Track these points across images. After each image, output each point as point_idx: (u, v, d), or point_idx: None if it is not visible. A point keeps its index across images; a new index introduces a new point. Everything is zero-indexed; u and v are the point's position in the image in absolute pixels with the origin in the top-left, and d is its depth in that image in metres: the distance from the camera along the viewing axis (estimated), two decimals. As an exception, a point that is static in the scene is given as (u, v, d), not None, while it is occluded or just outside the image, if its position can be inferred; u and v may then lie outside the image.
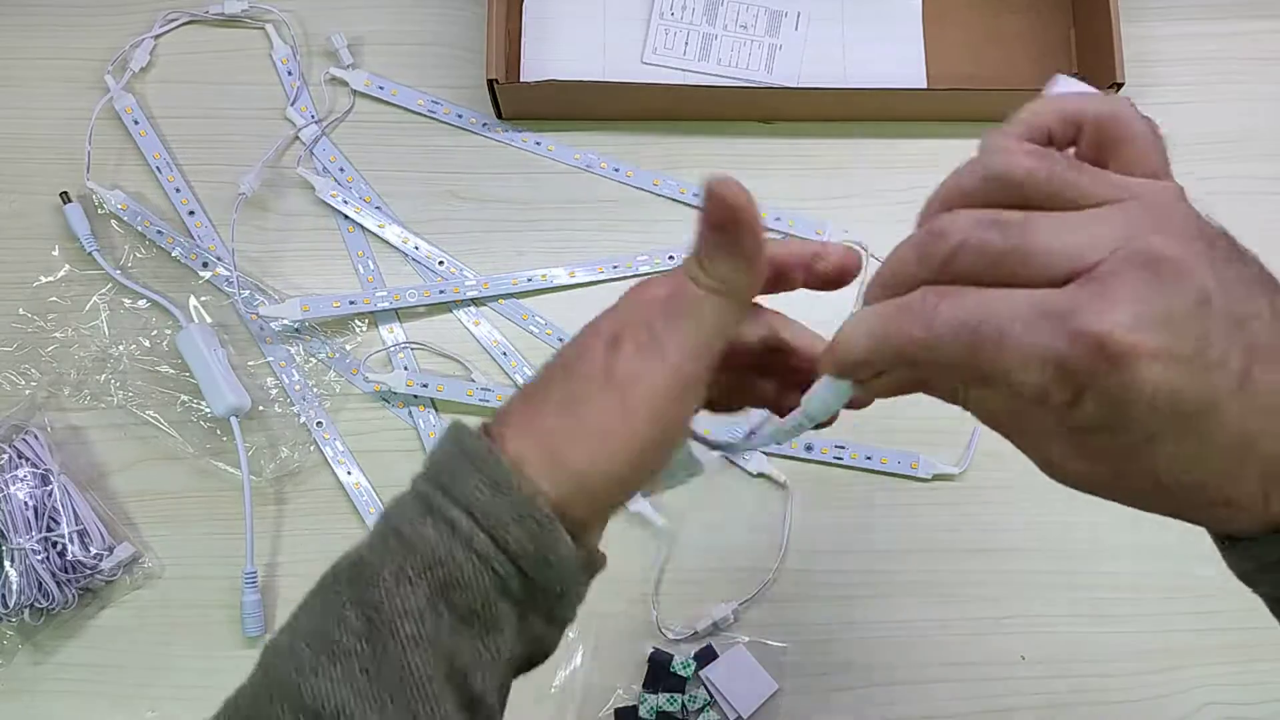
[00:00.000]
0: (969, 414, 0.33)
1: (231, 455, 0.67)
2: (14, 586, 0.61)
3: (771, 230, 0.73)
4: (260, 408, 0.69)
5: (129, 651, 0.65)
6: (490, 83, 0.70)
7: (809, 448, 0.69)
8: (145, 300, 0.70)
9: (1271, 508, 0.29)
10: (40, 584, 0.62)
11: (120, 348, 0.70)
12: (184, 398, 0.69)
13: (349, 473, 0.68)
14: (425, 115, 0.75)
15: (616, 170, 0.74)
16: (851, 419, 0.65)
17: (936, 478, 0.69)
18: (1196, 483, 0.29)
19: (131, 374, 0.69)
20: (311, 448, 0.69)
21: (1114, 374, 0.27)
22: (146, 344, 0.70)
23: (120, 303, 0.70)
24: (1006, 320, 0.27)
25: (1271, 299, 0.28)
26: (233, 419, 0.67)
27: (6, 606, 0.62)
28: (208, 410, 0.68)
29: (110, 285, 0.71)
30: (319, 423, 0.69)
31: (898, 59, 0.76)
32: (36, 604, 0.62)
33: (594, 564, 0.37)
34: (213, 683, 0.66)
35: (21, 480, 0.63)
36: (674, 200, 0.73)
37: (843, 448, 0.69)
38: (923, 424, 0.69)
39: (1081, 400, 0.28)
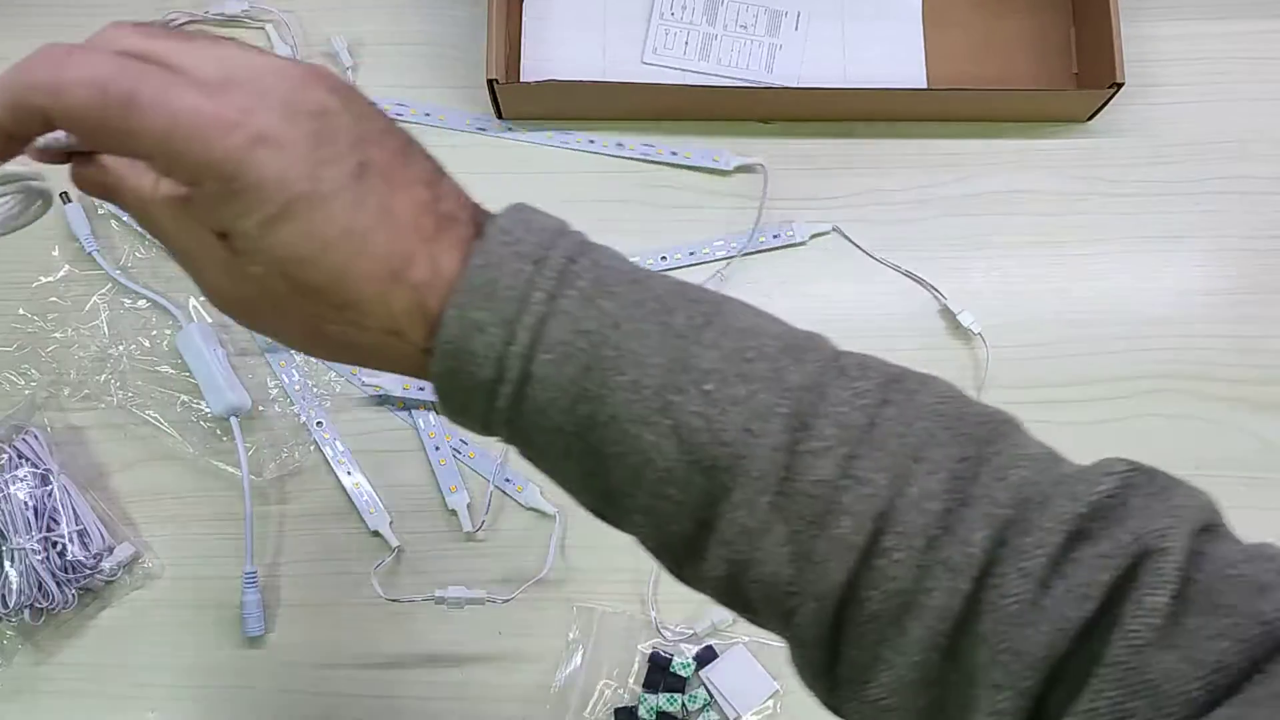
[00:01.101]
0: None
1: (231, 455, 0.67)
2: (14, 587, 0.61)
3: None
4: (260, 407, 0.69)
5: (129, 651, 0.66)
6: (490, 83, 0.70)
7: None
8: (145, 300, 0.71)
9: (394, 307, 0.31)
10: (40, 584, 0.62)
11: (120, 348, 0.70)
12: (184, 397, 0.69)
13: (349, 473, 0.68)
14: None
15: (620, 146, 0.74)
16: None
17: None
18: (341, 297, 0.31)
19: (131, 374, 0.69)
20: (312, 447, 0.69)
21: (230, 146, 0.29)
22: (146, 344, 0.70)
23: (120, 303, 0.71)
24: (137, 79, 0.29)
25: (377, 146, 0.32)
26: (233, 419, 0.67)
27: (6, 606, 0.62)
28: (208, 410, 0.68)
29: (110, 285, 0.71)
30: (319, 423, 0.69)
31: (898, 59, 0.76)
32: (36, 604, 0.62)
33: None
34: (213, 682, 0.67)
35: (21, 480, 0.63)
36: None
37: None
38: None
39: (202, 180, 0.29)
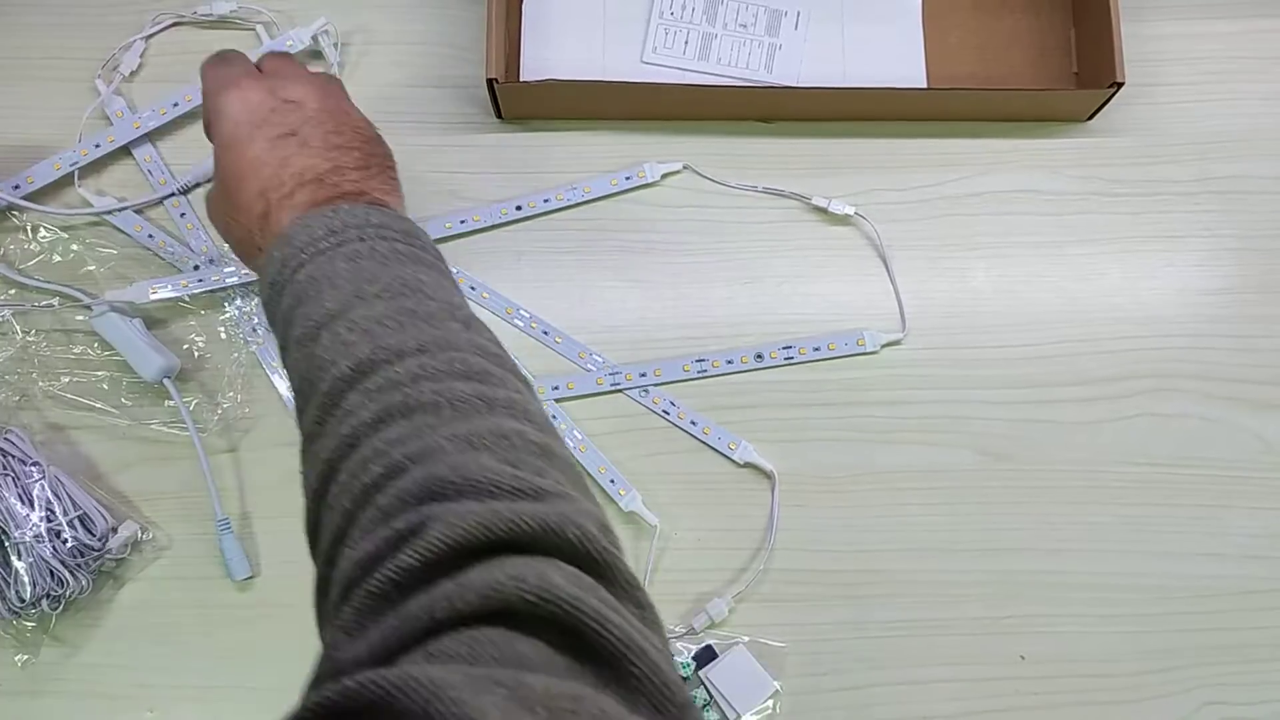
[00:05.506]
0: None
1: (179, 418, 0.70)
2: (25, 580, 0.64)
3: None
4: (188, 366, 0.72)
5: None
6: (490, 83, 0.71)
7: (759, 356, 0.72)
8: (52, 293, 0.72)
9: (254, 214, 0.52)
10: (52, 573, 0.65)
11: (40, 343, 0.72)
12: (113, 374, 0.72)
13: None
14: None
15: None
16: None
17: (886, 346, 0.73)
18: (234, 200, 0.53)
19: (54, 367, 0.72)
20: (252, 389, 0.72)
21: (220, 92, 0.55)
22: (63, 334, 0.72)
23: (30, 301, 0.72)
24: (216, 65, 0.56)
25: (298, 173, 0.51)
26: (166, 380, 0.70)
27: (23, 600, 0.64)
28: (140, 381, 0.70)
29: (14, 290, 0.73)
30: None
31: (898, 59, 0.78)
32: (52, 593, 0.65)
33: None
34: (211, 680, 0.67)
35: (11, 476, 0.66)
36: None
37: (790, 348, 0.73)
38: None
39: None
